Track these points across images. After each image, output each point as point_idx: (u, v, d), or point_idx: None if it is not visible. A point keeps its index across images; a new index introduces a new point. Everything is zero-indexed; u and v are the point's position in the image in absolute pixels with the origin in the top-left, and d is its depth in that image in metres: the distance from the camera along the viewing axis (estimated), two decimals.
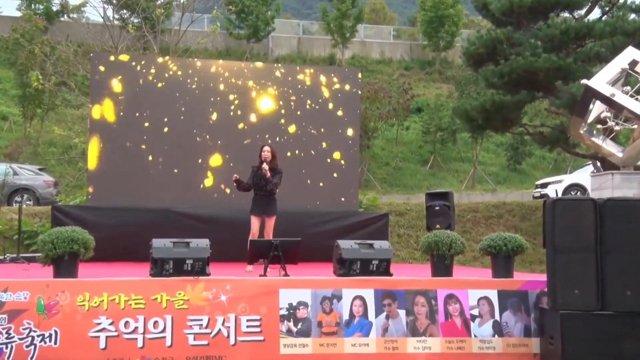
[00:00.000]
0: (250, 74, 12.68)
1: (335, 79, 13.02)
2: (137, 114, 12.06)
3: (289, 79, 12.80)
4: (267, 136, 12.28)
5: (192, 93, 12.33)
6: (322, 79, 12.96)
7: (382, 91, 25.71)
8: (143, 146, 12.07)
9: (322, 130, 12.81)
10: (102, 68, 12.06)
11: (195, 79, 12.38)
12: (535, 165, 30.25)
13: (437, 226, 10.68)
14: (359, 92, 13.53)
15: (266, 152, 9.34)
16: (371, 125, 25.82)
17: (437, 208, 11.26)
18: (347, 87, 13.03)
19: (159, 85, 12.23)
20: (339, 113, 12.91)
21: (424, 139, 29.86)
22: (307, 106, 12.82)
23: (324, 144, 12.79)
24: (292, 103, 12.75)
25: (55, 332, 6.10)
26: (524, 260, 13.98)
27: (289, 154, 12.27)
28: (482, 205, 17.04)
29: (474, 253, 13.64)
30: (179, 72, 12.35)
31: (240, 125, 12.50)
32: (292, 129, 12.72)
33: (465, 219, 16.00)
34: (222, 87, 12.50)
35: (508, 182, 27.82)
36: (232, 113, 12.49)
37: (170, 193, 11.95)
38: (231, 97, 12.50)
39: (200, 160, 12.26)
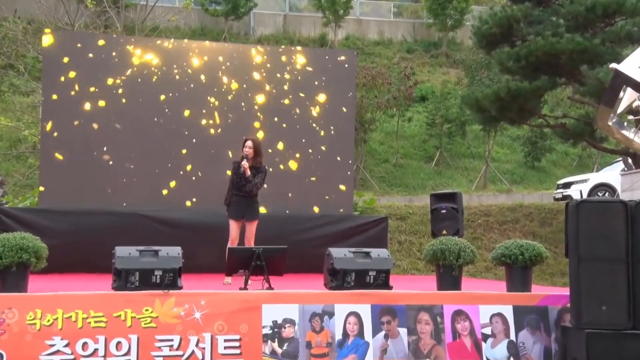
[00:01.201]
0: (229, 57, 12.70)
1: (326, 63, 13.05)
2: (97, 103, 12.08)
3: (273, 62, 12.84)
4: (246, 129, 12.32)
5: (161, 78, 12.36)
6: (312, 62, 13.00)
7: (380, 77, 25.60)
8: (104, 139, 12.09)
9: (311, 122, 12.87)
10: (55, 49, 12.06)
11: (165, 62, 12.40)
12: (556, 162, 30.29)
13: (444, 232, 10.75)
14: (355, 79, 13.58)
15: (248, 147, 9.27)
16: (368, 117, 25.73)
17: (443, 211, 11.29)
18: (340, 72, 13.06)
19: (122, 69, 12.24)
20: (331, 102, 12.97)
21: (429, 132, 29.80)
22: (294, 94, 12.87)
23: (313, 138, 12.85)
24: (275, 90, 12.79)
25: (1, 355, 6.04)
26: (544, 271, 14.05)
27: (270, 150, 12.33)
28: (496, 208, 17.16)
29: (486, 263, 13.72)
30: (146, 55, 12.36)
31: (217, 116, 12.53)
32: (276, 120, 12.76)
33: (476, 223, 16.12)
34: (196, 71, 12.53)
35: (525, 182, 27.85)
36: (207, 101, 12.52)
37: (136, 193, 11.99)
38: (205, 81, 12.54)
39: (171, 157, 12.29)
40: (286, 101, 12.81)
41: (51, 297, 6.36)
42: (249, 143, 9.32)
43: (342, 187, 12.92)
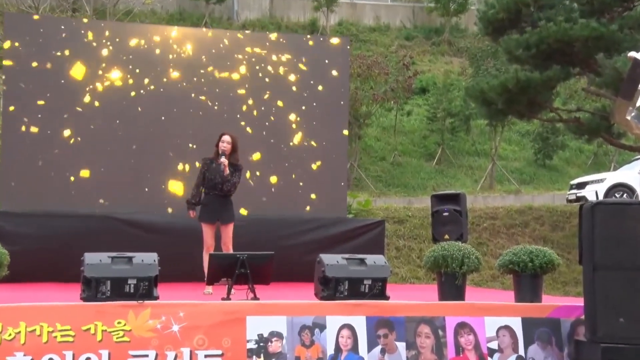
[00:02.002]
0: (210, 44, 12.72)
1: (317, 51, 13.11)
2: (63, 91, 12.08)
3: (258, 49, 12.87)
4: (226, 122, 12.34)
5: (137, 66, 12.38)
6: (301, 50, 13.05)
7: (376, 66, 25.51)
8: (67, 132, 12.07)
9: (299, 116, 12.91)
10: (17, 34, 12.04)
11: (139, 49, 12.40)
12: (569, 160, 30.33)
13: (446, 237, 10.46)
14: (348, 68, 13.66)
15: (226, 142, 9.33)
16: (363, 110, 25.63)
17: (445, 214, 11.04)
18: (332, 60, 13.11)
19: (92, 58, 12.28)
20: (322, 94, 13.01)
21: (430, 127, 29.75)
22: (281, 85, 12.90)
23: (302, 134, 12.89)
24: (259, 81, 12.82)
25: None
26: (556, 280, 14.10)
27: (256, 146, 12.42)
28: (503, 210, 17.22)
29: (492, 271, 13.78)
30: (118, 40, 12.36)
31: (195, 109, 12.58)
32: (260, 113, 12.78)
33: (482, 227, 16.18)
34: (172, 59, 12.57)
35: (535, 182, 27.85)
36: (184, 91, 12.55)
37: (107, 194, 12.01)
38: (182, 70, 12.58)
39: (145, 153, 12.32)
40: (272, 92, 12.85)
41: (13, 308, 6.31)
42: (227, 138, 9.38)
43: (335, 187, 12.97)
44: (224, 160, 9.17)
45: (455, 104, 28.67)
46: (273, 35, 13.53)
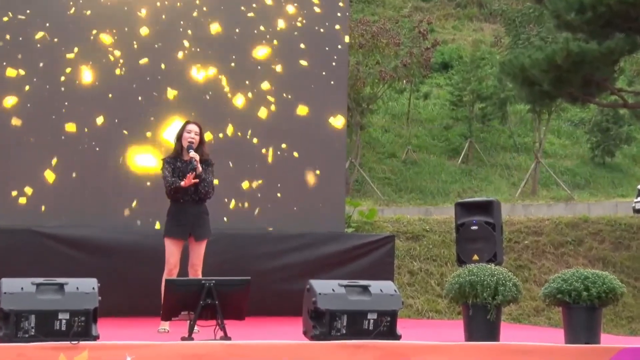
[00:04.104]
0: (173, 5, 12.68)
1: (308, 16, 13.06)
2: None
3: (235, 15, 12.87)
4: (192, 110, 12.27)
5: (70, 25, 12.33)
6: (288, 15, 13.00)
7: (384, 35, 25.53)
8: None
9: (285, 100, 12.88)
10: None
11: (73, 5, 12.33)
12: (637, 158, 30.37)
13: (475, 257, 10.83)
14: (347, 37, 13.61)
15: (193, 133, 9.34)
16: (367, 92, 25.77)
17: (474, 228, 11.44)
18: (327, 29, 13.10)
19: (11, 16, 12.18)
20: (314, 72, 13.03)
21: (454, 115, 29.84)
22: (264, 62, 12.89)
23: (289, 125, 12.89)
24: (236, 55, 12.80)
25: None
26: (619, 314, 14.17)
27: (220, 138, 12.42)
28: (550, 223, 17.16)
29: (536, 302, 13.77)
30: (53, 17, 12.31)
31: (156, 92, 12.57)
32: (239, 100, 12.77)
33: (521, 246, 16.17)
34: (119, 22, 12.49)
35: (592, 186, 27.88)
36: (140, 64, 12.53)
37: (30, 200, 11.91)
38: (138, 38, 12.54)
39: (86, 146, 12.29)
40: (248, 72, 12.82)
41: None
42: (194, 127, 9.39)
43: (329, 192, 12.95)
44: (194, 155, 9.15)
45: (487, 84, 28.82)
46: None
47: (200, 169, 9.14)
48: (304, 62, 12.99)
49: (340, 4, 13.30)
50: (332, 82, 13.14)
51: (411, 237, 15.99)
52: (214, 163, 9.52)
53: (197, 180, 9.07)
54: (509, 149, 29.44)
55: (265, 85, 12.85)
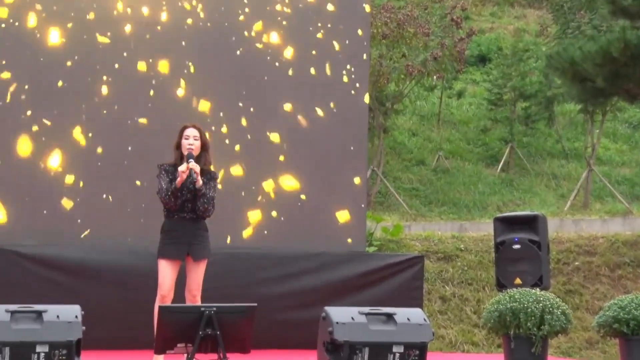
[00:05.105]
0: None
1: (322, 6, 13.08)
2: None
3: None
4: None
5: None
6: (298, 5, 13.03)
7: (412, 24, 25.19)
8: None
9: (294, 103, 12.89)
10: None
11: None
12: None
13: (518, 281, 10.95)
14: (369, 25, 13.93)
15: (192, 138, 9.16)
16: (391, 89, 25.60)
17: (516, 247, 11.46)
18: (344, 13, 13.15)
19: None
20: (330, 65, 12.99)
21: (493, 116, 29.89)
22: (270, 60, 12.91)
23: (300, 129, 12.90)
24: (239, 51, 12.78)
25: None
26: None
27: (237, 147, 12.43)
28: (605, 241, 16.91)
29: (589, 333, 13.88)
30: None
31: (143, 96, 12.39)
32: (238, 96, 12.70)
33: (572, 267, 15.97)
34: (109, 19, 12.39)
35: None
36: (128, 64, 12.35)
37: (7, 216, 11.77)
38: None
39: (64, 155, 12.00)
40: (253, 71, 12.74)
41: None
42: (192, 132, 9.22)
43: (348, 205, 12.76)
44: (194, 166, 8.92)
45: (531, 81, 28.49)
46: None
47: (201, 182, 9.01)
48: (329, 70, 13.08)
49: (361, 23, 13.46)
50: (352, 79, 13.05)
51: (443, 257, 15.87)
52: (217, 176, 9.50)
53: (194, 168, 8.95)
54: (556, 155, 29.40)
55: (295, 98, 13.00)
